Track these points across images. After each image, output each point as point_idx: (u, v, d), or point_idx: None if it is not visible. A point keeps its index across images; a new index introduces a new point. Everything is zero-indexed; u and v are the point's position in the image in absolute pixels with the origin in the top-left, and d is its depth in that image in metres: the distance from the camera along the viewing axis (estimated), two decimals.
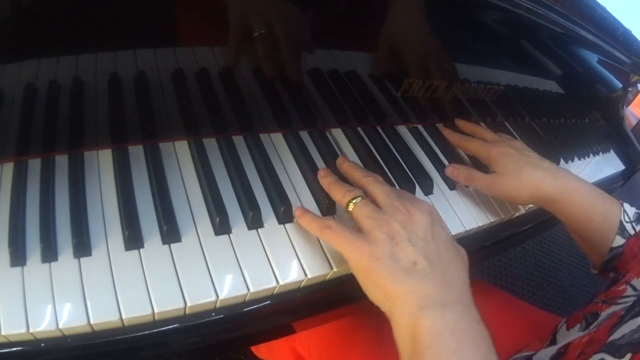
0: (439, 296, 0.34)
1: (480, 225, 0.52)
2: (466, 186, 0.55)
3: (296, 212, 0.41)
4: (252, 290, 0.35)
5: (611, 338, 0.33)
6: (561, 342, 0.40)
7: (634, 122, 1.11)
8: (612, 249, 0.48)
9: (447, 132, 0.60)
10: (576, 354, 0.35)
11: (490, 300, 0.64)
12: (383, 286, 0.34)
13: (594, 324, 0.39)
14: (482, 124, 0.70)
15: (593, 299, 0.45)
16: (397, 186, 0.49)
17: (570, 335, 0.42)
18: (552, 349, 0.39)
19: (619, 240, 0.48)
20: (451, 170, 0.53)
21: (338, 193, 0.41)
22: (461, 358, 0.31)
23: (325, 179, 0.43)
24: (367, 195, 0.41)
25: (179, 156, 0.43)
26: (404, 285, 0.34)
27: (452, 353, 0.31)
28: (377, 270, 0.34)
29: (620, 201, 0.50)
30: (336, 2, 0.45)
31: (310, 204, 0.44)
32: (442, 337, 0.31)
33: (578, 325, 0.42)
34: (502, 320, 0.60)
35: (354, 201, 0.39)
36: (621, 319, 0.34)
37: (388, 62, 0.52)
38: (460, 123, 0.63)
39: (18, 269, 0.31)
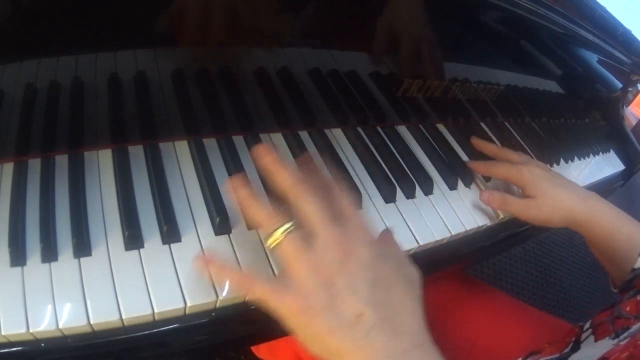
0: (391, 348, 0.29)
1: (480, 225, 0.52)
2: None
3: (201, 260, 0.33)
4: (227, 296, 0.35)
5: None
6: (589, 350, 0.40)
7: (634, 122, 1.11)
8: (633, 269, 0.49)
9: (473, 165, 0.58)
10: None
11: (490, 302, 0.64)
12: (324, 343, 0.29)
13: (625, 334, 0.40)
14: (482, 124, 0.70)
15: (614, 309, 0.45)
16: (397, 186, 0.49)
17: (600, 346, 0.41)
18: (586, 356, 0.39)
19: None
20: (486, 196, 0.53)
21: (259, 215, 0.32)
22: None
23: (241, 191, 0.33)
24: (295, 210, 0.32)
25: (179, 156, 0.43)
26: (348, 342, 0.29)
27: None
28: (315, 327, 0.29)
29: None
30: (336, 2, 0.45)
31: None
32: None
33: (607, 337, 0.42)
34: (502, 322, 0.60)
35: (277, 234, 0.31)
36: None
37: (385, 57, 0.52)
38: (478, 143, 0.61)
39: (18, 269, 0.31)
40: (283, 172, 0.33)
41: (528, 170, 0.52)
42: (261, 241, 0.39)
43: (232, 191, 0.34)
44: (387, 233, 0.39)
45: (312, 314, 0.29)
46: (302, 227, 0.31)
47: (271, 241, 0.31)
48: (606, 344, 0.40)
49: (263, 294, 0.30)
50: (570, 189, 0.51)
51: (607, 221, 0.49)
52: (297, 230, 0.31)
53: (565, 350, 0.44)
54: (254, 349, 0.67)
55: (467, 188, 0.56)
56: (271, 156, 0.34)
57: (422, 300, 0.33)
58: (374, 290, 0.30)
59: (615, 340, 0.39)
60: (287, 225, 0.31)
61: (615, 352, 0.37)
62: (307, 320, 0.29)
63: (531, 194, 0.51)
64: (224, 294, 0.34)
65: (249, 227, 0.39)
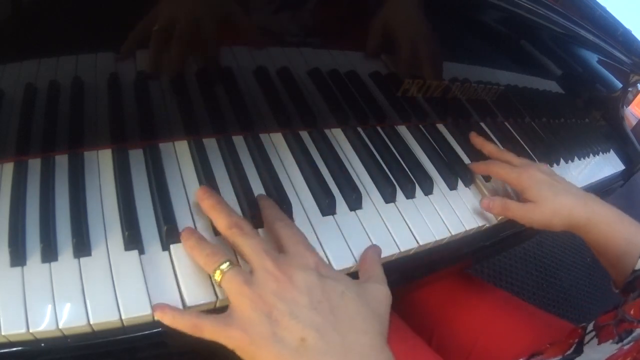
0: None
1: (480, 225, 0.52)
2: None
3: (157, 307, 0.32)
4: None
5: None
6: (591, 355, 0.40)
7: (634, 122, 1.11)
8: (634, 270, 0.49)
9: (473, 166, 0.58)
10: None
11: (490, 301, 0.64)
12: None
13: (629, 339, 0.39)
14: (482, 124, 0.70)
15: (617, 311, 0.45)
16: (397, 186, 0.49)
17: (603, 350, 0.41)
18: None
19: None
20: (486, 203, 0.52)
21: (200, 258, 0.34)
22: None
23: (184, 237, 0.35)
24: (235, 250, 0.35)
25: (179, 156, 0.43)
26: None
27: None
28: (263, 357, 0.29)
29: None
30: (336, 2, 0.45)
31: (311, 203, 0.44)
32: None
33: (610, 340, 0.42)
34: (502, 321, 0.60)
35: (220, 269, 0.32)
36: None
37: (385, 57, 0.52)
38: (477, 141, 0.61)
39: (18, 269, 0.31)
40: (220, 215, 0.35)
41: (527, 175, 0.52)
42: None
43: (182, 237, 0.36)
44: (371, 251, 0.40)
45: (257, 345, 0.29)
46: (244, 264, 0.32)
47: (218, 276, 0.32)
48: (609, 348, 0.40)
49: (212, 333, 0.31)
50: (570, 192, 0.51)
51: (607, 224, 0.49)
52: (235, 268, 0.32)
53: (568, 352, 0.44)
54: None
55: (467, 188, 0.56)
56: (210, 200, 0.36)
57: (382, 317, 0.33)
58: (316, 313, 0.30)
59: (619, 345, 0.39)
60: (224, 265, 0.32)
61: (618, 357, 0.37)
62: (254, 351, 0.30)
63: (530, 198, 0.51)
64: (224, 294, 0.34)
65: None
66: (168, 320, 0.31)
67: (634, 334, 0.40)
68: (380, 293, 0.34)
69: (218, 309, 0.35)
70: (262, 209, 0.38)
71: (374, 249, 0.41)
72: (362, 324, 0.31)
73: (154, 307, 0.32)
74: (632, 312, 0.43)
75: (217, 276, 0.32)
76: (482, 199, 0.53)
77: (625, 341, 0.39)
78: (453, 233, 0.49)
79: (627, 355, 0.36)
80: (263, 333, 0.29)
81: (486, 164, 0.56)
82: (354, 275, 0.38)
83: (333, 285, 0.32)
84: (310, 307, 0.30)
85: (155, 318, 0.32)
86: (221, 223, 0.35)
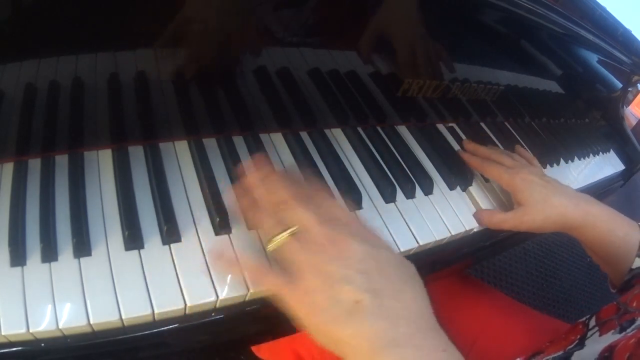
0: (392, 334, 0.30)
1: (480, 225, 0.52)
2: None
3: (213, 254, 0.35)
4: (252, 290, 0.35)
5: None
6: (593, 346, 0.40)
7: (634, 122, 1.11)
8: (631, 269, 0.49)
9: (467, 157, 0.58)
10: (626, 356, 0.34)
11: (489, 302, 0.64)
12: (328, 333, 0.31)
13: (632, 327, 0.40)
14: (482, 124, 0.70)
15: (619, 304, 0.45)
16: (397, 186, 0.49)
17: (605, 340, 0.42)
18: (592, 352, 0.39)
19: (638, 262, 0.49)
20: (478, 217, 0.52)
21: (266, 222, 0.35)
22: None
23: (244, 200, 0.37)
24: (290, 221, 0.35)
25: (179, 156, 0.43)
26: (350, 329, 0.30)
27: None
28: (318, 317, 0.31)
29: (639, 223, 0.51)
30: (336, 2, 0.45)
31: None
32: None
33: (612, 331, 0.42)
34: (501, 323, 0.60)
35: (276, 239, 0.34)
36: None
37: (372, 51, 0.51)
38: (471, 147, 0.61)
39: (18, 269, 0.31)
40: (277, 187, 0.36)
41: (520, 178, 0.52)
42: (261, 242, 0.39)
43: (236, 198, 0.37)
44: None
45: (315, 306, 0.31)
46: (300, 232, 0.34)
47: (272, 244, 0.34)
48: (611, 338, 0.40)
49: (273, 286, 0.33)
50: (562, 194, 0.50)
51: (602, 223, 0.49)
52: (295, 234, 0.34)
53: (570, 347, 0.44)
54: (254, 349, 0.67)
55: (467, 189, 0.56)
56: (264, 170, 0.38)
57: (424, 290, 0.34)
58: (370, 279, 0.32)
59: (622, 334, 0.39)
60: (283, 233, 0.34)
61: (622, 340, 0.37)
62: (311, 311, 0.31)
63: (522, 200, 0.51)
64: (224, 294, 0.34)
65: (249, 228, 0.39)
66: (225, 266, 0.35)
67: (637, 322, 0.40)
68: (412, 266, 0.36)
69: (219, 309, 0.35)
70: (301, 183, 0.39)
71: None
72: (410, 291, 0.33)
73: (214, 253, 0.35)
74: (634, 304, 0.43)
75: (277, 239, 0.34)
76: (475, 213, 0.53)
77: (628, 330, 0.39)
78: (453, 233, 0.49)
79: (632, 337, 0.36)
80: (321, 295, 0.31)
81: (481, 161, 0.57)
82: None
83: (384, 255, 0.34)
84: (363, 273, 0.32)
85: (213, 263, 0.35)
86: (275, 197, 0.36)
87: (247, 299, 0.36)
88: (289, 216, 0.34)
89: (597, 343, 0.42)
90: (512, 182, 0.52)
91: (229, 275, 0.36)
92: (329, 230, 0.33)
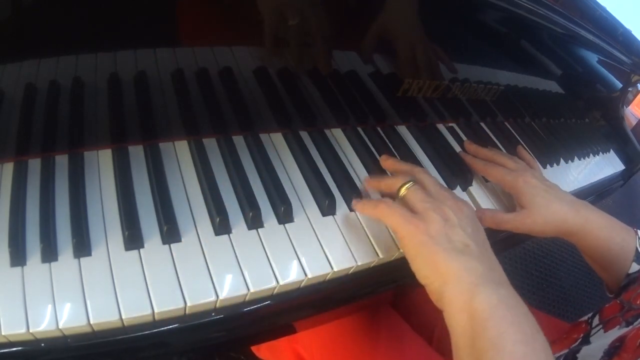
0: (490, 276, 0.36)
1: (482, 224, 0.52)
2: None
3: (353, 202, 0.44)
4: (252, 290, 0.35)
5: None
6: (600, 341, 0.41)
7: (634, 122, 1.11)
8: (628, 274, 0.49)
9: (469, 159, 0.59)
10: (637, 344, 0.36)
11: None
12: (436, 263, 0.36)
13: (638, 321, 0.40)
14: (482, 124, 0.70)
15: (621, 302, 0.45)
16: None
17: (612, 335, 0.42)
18: (601, 345, 0.40)
19: (634, 267, 0.49)
20: (480, 215, 0.52)
21: (391, 179, 0.44)
22: (518, 328, 0.33)
23: (371, 181, 0.47)
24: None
25: (179, 156, 0.43)
26: (458, 264, 0.35)
27: (511, 324, 0.33)
28: (432, 247, 0.36)
29: (635, 229, 0.52)
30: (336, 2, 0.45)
31: (311, 203, 0.44)
32: (499, 309, 0.33)
33: (618, 326, 0.43)
34: None
35: (406, 185, 0.42)
36: None
37: (373, 51, 0.52)
38: (472, 148, 0.61)
39: (18, 269, 0.31)
40: (403, 164, 0.49)
41: (523, 180, 0.52)
42: (261, 241, 0.39)
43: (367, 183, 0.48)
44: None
45: (431, 237, 0.37)
46: (424, 186, 0.43)
47: (404, 191, 0.42)
48: (617, 333, 0.41)
49: (393, 216, 0.39)
50: (563, 200, 0.51)
51: (599, 230, 0.50)
52: (417, 184, 0.42)
53: (574, 345, 0.44)
54: (254, 349, 0.67)
55: (466, 189, 0.56)
56: (392, 159, 0.50)
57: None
58: (476, 233, 0.40)
59: (629, 327, 0.40)
60: (409, 183, 0.42)
61: (631, 331, 0.37)
62: (427, 241, 0.37)
63: (523, 204, 0.51)
64: (224, 294, 0.34)
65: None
66: (360, 206, 0.43)
67: None
68: None
69: (219, 309, 0.35)
70: (417, 171, 0.46)
71: None
72: (494, 257, 0.40)
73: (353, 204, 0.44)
74: (638, 302, 0.44)
75: (404, 190, 0.42)
76: (477, 212, 0.53)
77: (635, 323, 0.40)
78: None
79: None
80: (439, 230, 0.37)
81: (484, 164, 0.57)
82: None
83: (479, 224, 0.42)
84: (472, 227, 0.40)
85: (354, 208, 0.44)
86: (406, 166, 0.47)
87: (247, 299, 0.36)
88: (420, 176, 0.44)
89: (603, 338, 0.42)
90: (515, 185, 0.52)
91: (230, 275, 0.36)
92: (447, 191, 0.43)
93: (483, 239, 0.40)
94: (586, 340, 0.44)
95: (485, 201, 0.56)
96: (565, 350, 0.43)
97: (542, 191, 0.51)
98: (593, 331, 0.46)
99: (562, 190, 0.54)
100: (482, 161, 0.58)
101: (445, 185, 0.48)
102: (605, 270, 0.52)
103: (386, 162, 0.50)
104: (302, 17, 0.42)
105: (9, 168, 0.37)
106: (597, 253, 0.51)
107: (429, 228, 0.37)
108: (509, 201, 0.56)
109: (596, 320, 0.46)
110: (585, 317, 0.49)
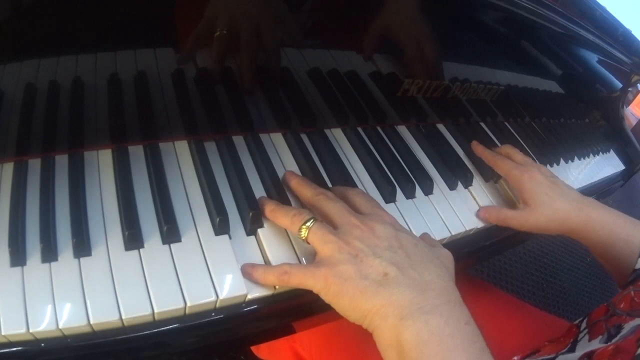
0: (418, 303, 0.32)
1: (480, 225, 0.52)
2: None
3: (245, 268, 0.36)
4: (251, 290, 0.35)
5: None
6: (581, 351, 0.40)
7: (634, 122, 1.11)
8: (635, 270, 0.49)
9: (480, 149, 0.59)
10: None
11: (490, 301, 0.64)
12: (358, 306, 0.33)
13: (618, 337, 0.40)
14: (482, 124, 0.70)
15: (609, 304, 0.45)
16: (397, 186, 0.49)
17: (592, 346, 0.42)
18: (573, 356, 0.39)
19: None
20: (483, 213, 0.53)
21: (285, 219, 0.38)
22: None
23: (267, 206, 0.39)
24: (320, 215, 0.39)
25: (179, 156, 0.43)
26: (379, 299, 0.32)
27: None
28: (348, 292, 0.33)
29: None
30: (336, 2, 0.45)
31: None
32: (429, 346, 0.30)
33: (600, 337, 0.42)
34: (501, 321, 0.60)
35: (306, 225, 0.36)
36: None
37: (373, 51, 0.52)
38: (478, 149, 0.61)
39: (18, 269, 0.31)
40: (306, 187, 0.41)
41: (529, 175, 0.52)
42: (258, 242, 0.39)
43: (261, 207, 0.40)
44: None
45: (343, 282, 0.33)
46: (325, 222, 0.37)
47: (304, 232, 0.36)
48: (598, 346, 0.40)
49: (299, 278, 0.34)
50: (566, 198, 0.51)
51: (604, 227, 0.50)
52: (319, 222, 0.36)
53: (562, 351, 0.44)
54: (254, 349, 0.67)
55: (467, 189, 0.56)
56: (296, 178, 0.43)
57: (451, 272, 0.37)
58: (396, 254, 0.34)
59: (606, 344, 0.39)
60: (309, 222, 0.36)
61: (600, 349, 0.37)
62: (340, 288, 0.33)
63: (527, 199, 0.51)
64: (224, 294, 0.34)
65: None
66: (258, 276, 0.36)
67: (622, 333, 0.40)
68: (446, 252, 0.39)
69: (219, 309, 0.35)
70: (340, 190, 0.43)
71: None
72: (435, 269, 0.35)
73: (242, 270, 0.36)
74: (622, 305, 0.43)
75: (304, 232, 0.36)
76: (479, 210, 0.54)
77: (614, 340, 0.40)
78: (453, 233, 0.49)
79: (610, 345, 0.37)
80: (349, 270, 0.33)
81: (492, 155, 0.58)
82: None
83: (408, 237, 0.37)
84: (390, 249, 0.35)
85: (244, 278, 0.36)
86: (308, 193, 0.41)
87: (246, 299, 0.36)
88: (321, 205, 0.38)
89: (585, 348, 0.42)
90: (520, 179, 0.52)
91: (230, 275, 0.36)
92: (357, 216, 0.37)
93: (411, 249, 0.36)
94: (573, 348, 0.44)
95: (485, 201, 0.56)
96: (552, 355, 0.43)
97: (546, 188, 0.51)
98: (580, 336, 0.46)
99: (568, 186, 0.53)
100: (491, 152, 0.58)
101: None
102: (612, 265, 0.52)
103: (290, 181, 0.43)
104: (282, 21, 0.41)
105: (9, 168, 0.37)
106: (603, 249, 0.51)
107: (338, 273, 0.33)
108: (509, 202, 0.56)
109: (584, 324, 0.46)
110: (577, 321, 0.49)
